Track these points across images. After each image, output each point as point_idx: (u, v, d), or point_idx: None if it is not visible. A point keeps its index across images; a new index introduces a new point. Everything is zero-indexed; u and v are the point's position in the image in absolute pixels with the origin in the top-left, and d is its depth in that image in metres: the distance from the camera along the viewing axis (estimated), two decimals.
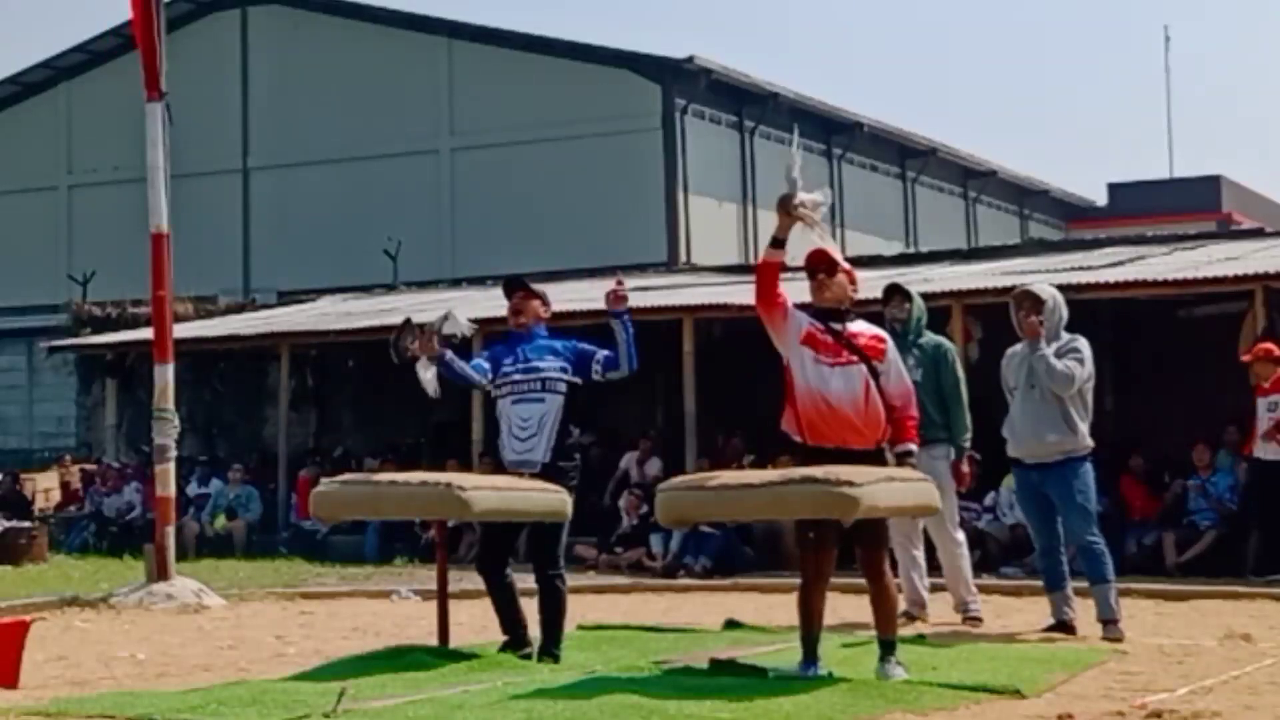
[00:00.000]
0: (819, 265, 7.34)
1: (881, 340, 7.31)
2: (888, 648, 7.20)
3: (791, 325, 7.24)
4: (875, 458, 7.11)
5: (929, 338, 10.18)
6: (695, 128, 31.06)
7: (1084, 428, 9.11)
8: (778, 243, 7.20)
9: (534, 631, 8.24)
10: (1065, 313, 9.25)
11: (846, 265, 7.41)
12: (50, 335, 26.11)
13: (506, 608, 8.19)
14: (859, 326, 7.33)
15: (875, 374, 7.19)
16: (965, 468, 10.13)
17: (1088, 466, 9.19)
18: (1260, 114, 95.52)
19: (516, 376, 8.16)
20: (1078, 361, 9.04)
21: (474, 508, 7.74)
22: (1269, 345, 13.24)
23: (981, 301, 15.30)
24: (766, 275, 7.28)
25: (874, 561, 7.23)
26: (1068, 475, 9.09)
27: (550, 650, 8.04)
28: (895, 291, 10.23)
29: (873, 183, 36.87)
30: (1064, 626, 9.23)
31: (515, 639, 8.15)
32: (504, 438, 8.20)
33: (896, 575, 9.74)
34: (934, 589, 10.38)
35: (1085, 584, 9.26)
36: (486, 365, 8.26)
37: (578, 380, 8.19)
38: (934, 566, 10.42)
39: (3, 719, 6.17)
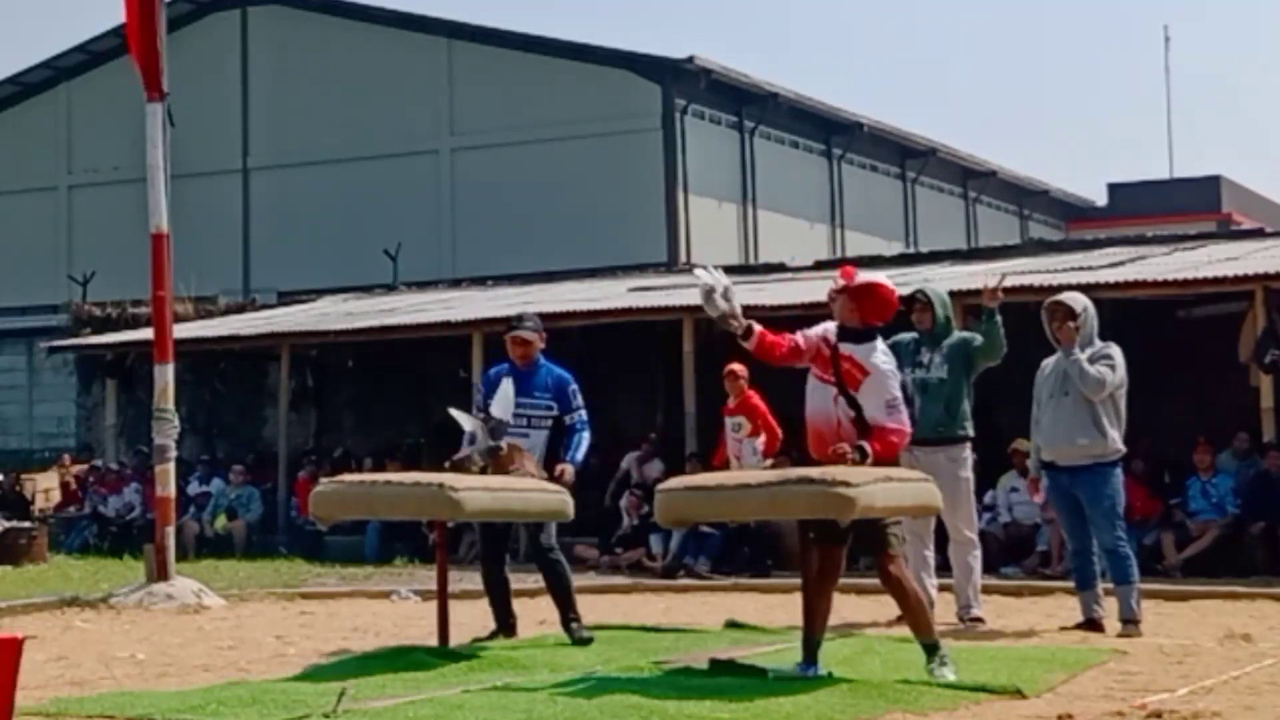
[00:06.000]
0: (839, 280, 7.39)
1: (862, 371, 7.11)
2: (929, 650, 7.15)
3: (812, 342, 7.22)
4: None
5: (954, 336, 10.10)
6: (695, 128, 31.04)
7: (1114, 433, 9.28)
8: (744, 336, 7.17)
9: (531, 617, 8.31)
10: (1096, 321, 9.40)
11: (854, 285, 7.30)
12: (50, 335, 26.09)
13: (501, 599, 9.03)
14: (856, 351, 7.16)
15: (851, 399, 7.09)
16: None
17: (1117, 472, 9.37)
18: (1260, 114, 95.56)
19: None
20: (1109, 367, 9.20)
21: (466, 508, 7.79)
22: (735, 367, 13.32)
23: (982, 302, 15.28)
24: (763, 352, 7.24)
25: (880, 566, 7.20)
26: (1096, 480, 9.27)
27: (569, 618, 8.78)
28: (912, 302, 10.14)
29: (873, 183, 36.86)
30: (1093, 624, 9.36)
31: (503, 627, 8.99)
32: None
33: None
34: (939, 589, 10.38)
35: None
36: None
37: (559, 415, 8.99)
38: (940, 566, 10.43)
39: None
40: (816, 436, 7.17)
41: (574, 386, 9.01)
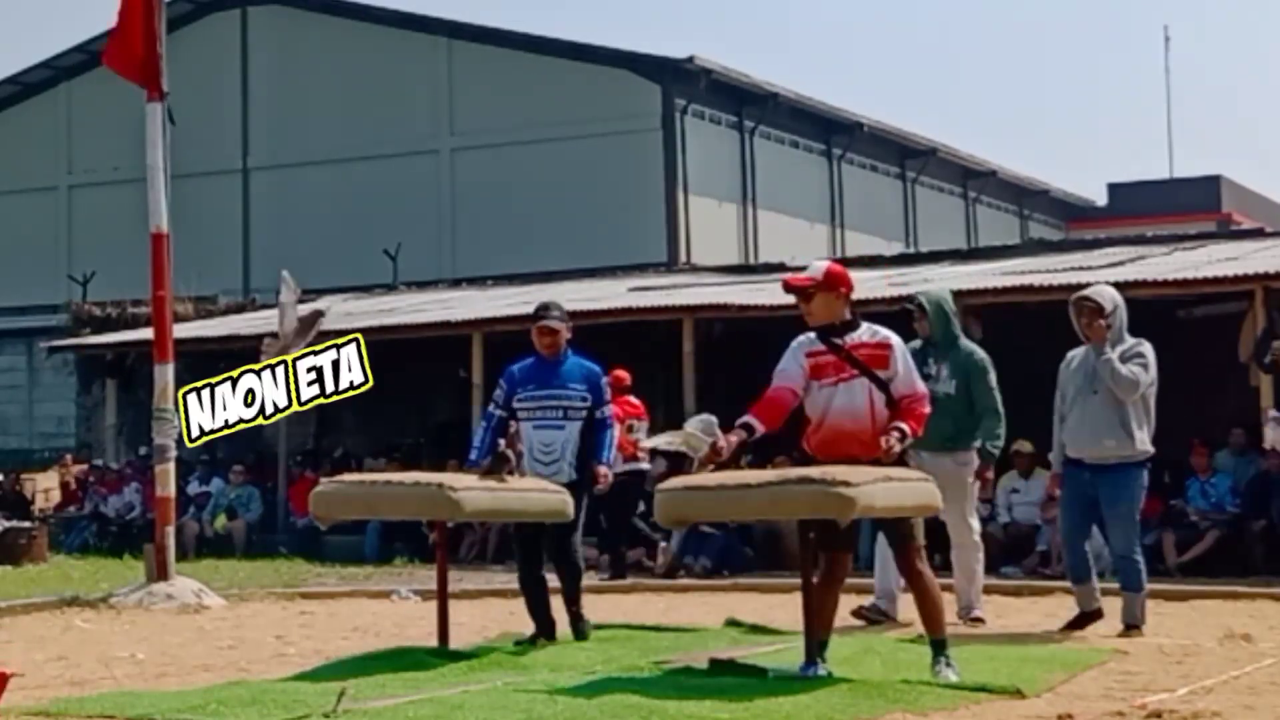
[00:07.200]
0: (793, 293, 7.30)
1: (884, 347, 7.16)
2: (937, 647, 7.15)
3: (799, 380, 7.17)
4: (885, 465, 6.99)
5: (962, 349, 9.98)
6: (695, 128, 31.05)
7: (1141, 434, 9.03)
8: (751, 437, 7.08)
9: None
10: (1125, 315, 9.15)
11: (820, 277, 7.26)
12: (50, 335, 26.09)
13: (540, 601, 8.74)
14: (862, 335, 7.20)
15: (881, 383, 7.11)
16: (989, 474, 10.11)
17: (1142, 475, 9.13)
18: (1260, 114, 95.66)
19: (539, 402, 8.62)
20: (1142, 367, 8.96)
21: (465, 508, 7.79)
22: (616, 373, 13.58)
23: (981, 301, 15.31)
24: (775, 423, 7.12)
25: (903, 561, 7.21)
26: (1119, 482, 9.03)
27: (573, 607, 8.69)
28: (909, 306, 10.10)
29: (873, 183, 36.86)
30: (1093, 615, 9.26)
31: (543, 631, 8.72)
32: (526, 458, 8.61)
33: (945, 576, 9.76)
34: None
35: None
36: (497, 414, 8.75)
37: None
38: (940, 567, 10.40)
39: (3, 719, 6.17)
40: (845, 437, 7.07)
41: (604, 380, 8.86)
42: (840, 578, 7.30)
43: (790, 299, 7.49)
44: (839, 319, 7.23)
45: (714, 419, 7.52)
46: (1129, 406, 8.97)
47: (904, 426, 7.05)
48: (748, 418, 7.03)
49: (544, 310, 8.82)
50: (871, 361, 7.14)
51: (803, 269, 7.60)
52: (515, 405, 8.65)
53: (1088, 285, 9.77)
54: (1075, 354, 9.27)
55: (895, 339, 7.27)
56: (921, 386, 7.27)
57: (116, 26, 13.19)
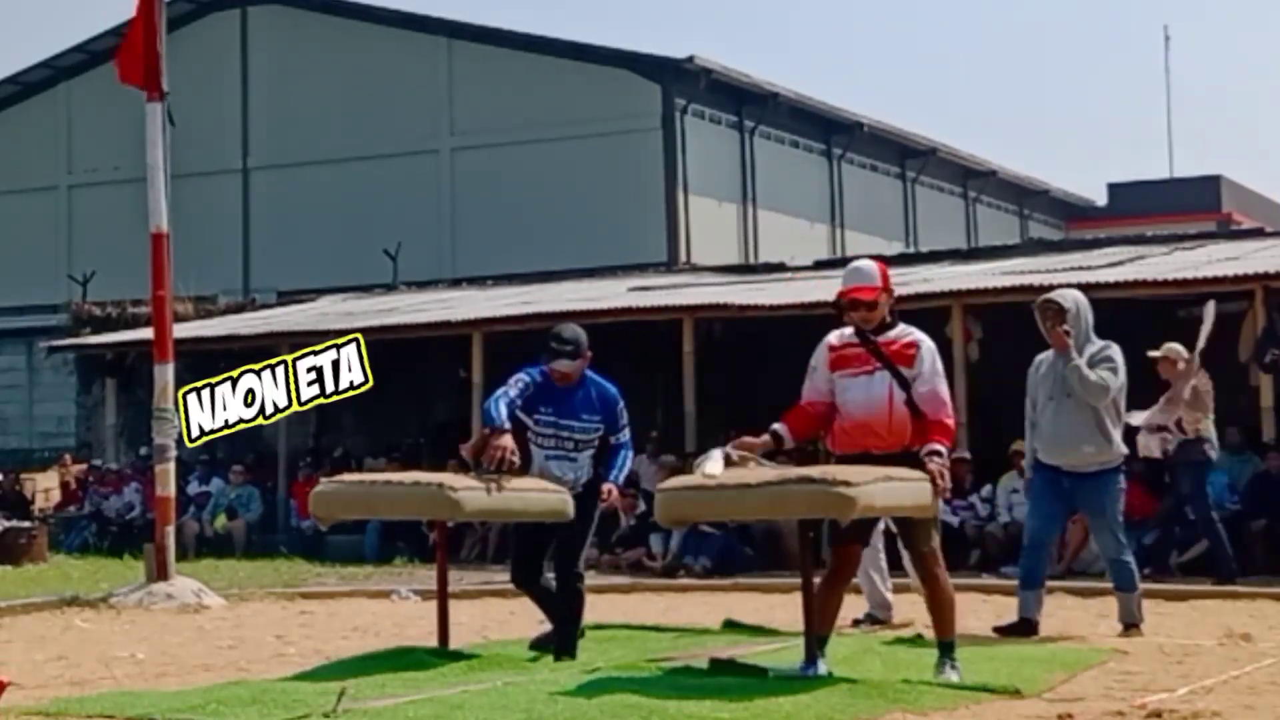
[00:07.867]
0: (860, 303, 7.27)
1: (913, 346, 7.20)
2: (944, 649, 7.18)
3: (825, 387, 7.27)
4: (901, 461, 7.00)
5: None
6: (695, 128, 31.04)
7: (1117, 436, 9.04)
8: (779, 448, 7.18)
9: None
10: (1091, 316, 9.13)
11: (880, 282, 7.27)
12: (50, 335, 26.10)
13: (545, 596, 8.34)
14: (896, 334, 7.26)
15: (904, 380, 7.13)
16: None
17: (1121, 478, 9.17)
18: (1260, 114, 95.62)
19: (553, 431, 8.14)
20: (1111, 371, 8.93)
21: (465, 508, 7.76)
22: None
23: (981, 301, 15.32)
24: (810, 433, 7.29)
25: (918, 561, 7.24)
26: (1101, 487, 9.05)
27: (565, 650, 8.05)
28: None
29: (873, 183, 36.85)
30: (1028, 625, 9.17)
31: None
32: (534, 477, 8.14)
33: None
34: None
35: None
36: (503, 407, 7.98)
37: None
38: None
39: (3, 719, 6.17)
40: (860, 428, 7.14)
41: (621, 405, 8.30)
42: (847, 576, 7.34)
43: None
44: (883, 320, 7.29)
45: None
46: (1103, 410, 8.97)
47: (938, 447, 7.04)
48: (778, 425, 7.15)
49: (559, 343, 8.07)
50: (897, 358, 7.19)
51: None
52: (530, 421, 8.08)
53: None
54: (1043, 358, 9.24)
55: (927, 340, 7.32)
56: (944, 392, 7.24)
57: (127, 38, 13.25)
